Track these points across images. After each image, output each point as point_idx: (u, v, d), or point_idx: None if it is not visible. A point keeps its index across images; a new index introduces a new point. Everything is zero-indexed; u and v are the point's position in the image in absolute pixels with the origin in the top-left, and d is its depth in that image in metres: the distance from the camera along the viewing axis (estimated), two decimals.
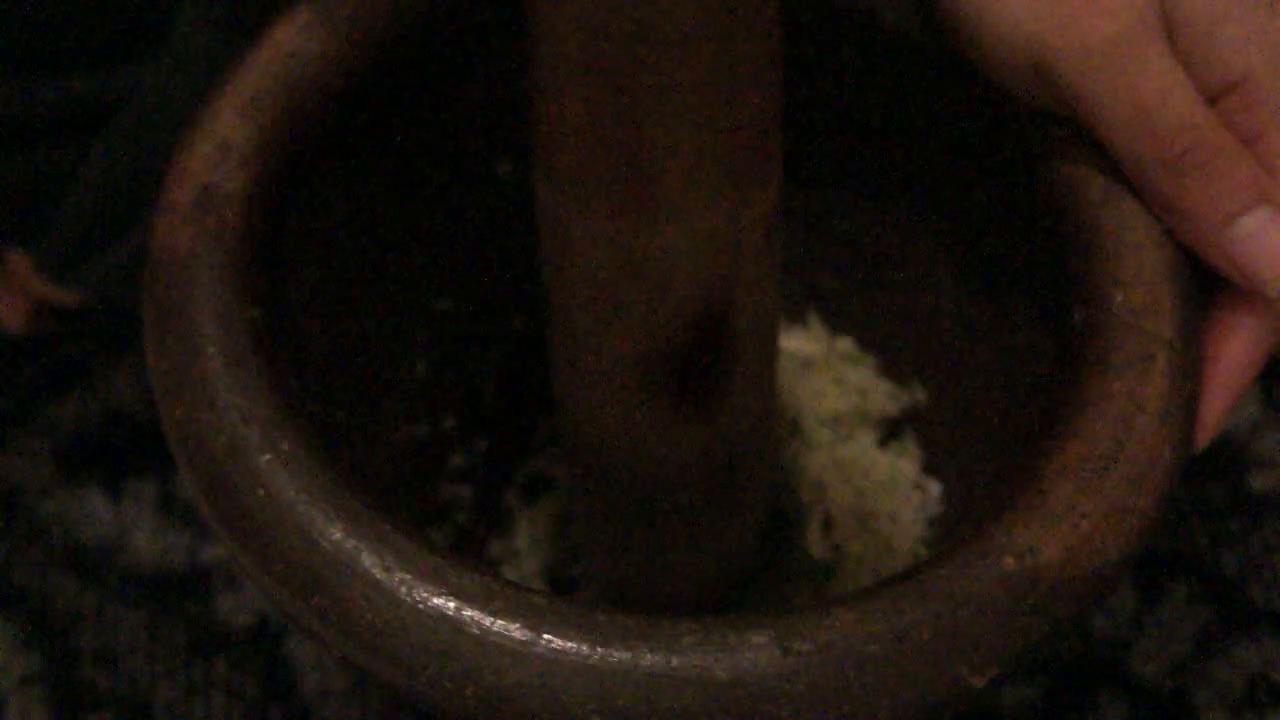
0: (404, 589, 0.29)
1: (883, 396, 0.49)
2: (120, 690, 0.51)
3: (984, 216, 0.41)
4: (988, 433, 0.42)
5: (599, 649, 0.28)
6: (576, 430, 0.38)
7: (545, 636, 0.28)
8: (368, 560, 0.29)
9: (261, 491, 0.30)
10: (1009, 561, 0.29)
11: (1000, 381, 0.42)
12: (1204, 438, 0.33)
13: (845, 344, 0.49)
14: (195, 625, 0.52)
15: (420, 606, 0.29)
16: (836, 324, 0.50)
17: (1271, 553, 0.52)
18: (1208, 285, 0.34)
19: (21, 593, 0.52)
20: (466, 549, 0.48)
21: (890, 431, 0.49)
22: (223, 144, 0.35)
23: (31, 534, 0.54)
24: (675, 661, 0.28)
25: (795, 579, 0.46)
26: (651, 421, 0.36)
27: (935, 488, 0.47)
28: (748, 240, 0.32)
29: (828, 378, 0.49)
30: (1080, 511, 0.30)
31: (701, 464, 0.37)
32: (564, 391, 0.37)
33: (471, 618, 0.29)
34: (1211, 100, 0.33)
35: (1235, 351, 0.33)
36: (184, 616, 0.52)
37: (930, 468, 0.48)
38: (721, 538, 0.41)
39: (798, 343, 0.49)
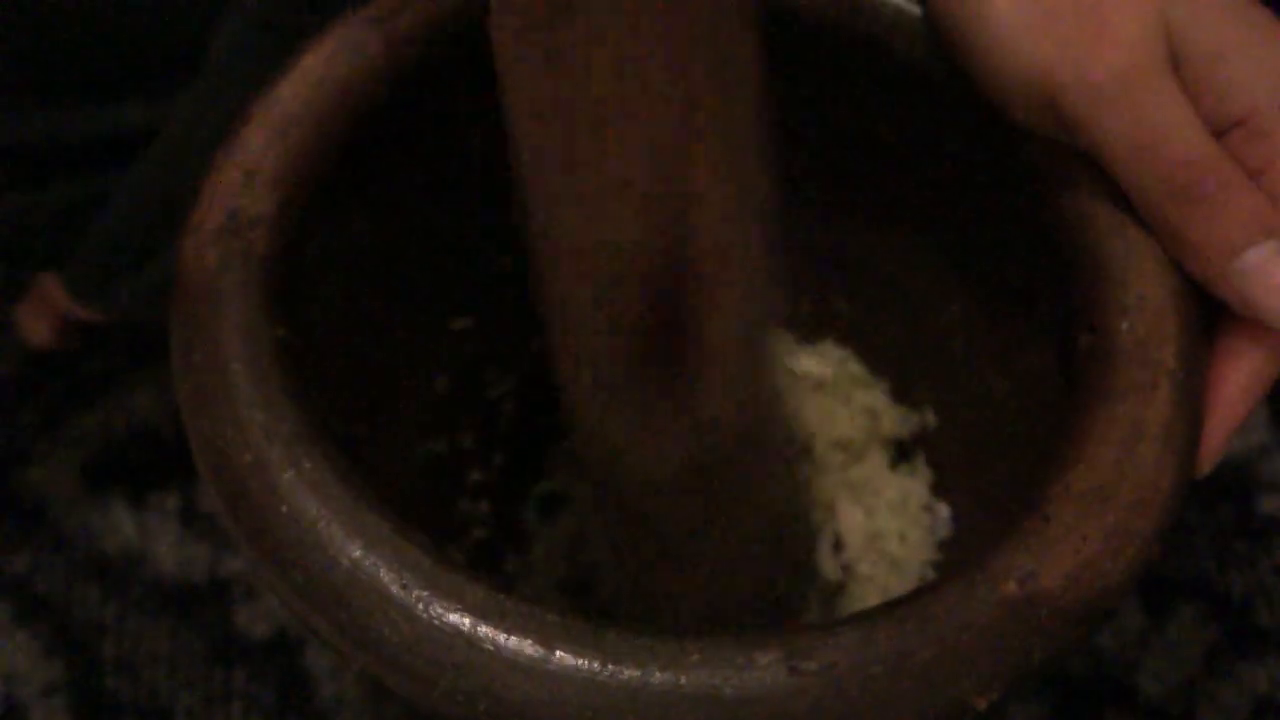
0: (420, 605, 0.30)
1: (894, 419, 0.49)
2: (141, 699, 0.51)
3: (994, 243, 0.41)
4: (997, 456, 0.43)
5: (609, 666, 0.29)
6: (573, 421, 0.38)
7: (557, 653, 0.29)
8: (386, 577, 0.30)
9: (284, 508, 0.31)
10: (1011, 585, 0.30)
11: (1010, 405, 0.42)
12: (1206, 464, 0.34)
13: (857, 367, 0.50)
14: (215, 636, 0.53)
15: (436, 622, 0.29)
16: (849, 347, 0.50)
17: (1279, 574, 0.52)
18: (1212, 312, 0.34)
19: (45, 603, 0.53)
20: (483, 565, 0.49)
21: (901, 454, 0.49)
22: (250, 169, 0.36)
23: (56, 545, 0.55)
24: (684, 679, 0.29)
25: (805, 598, 0.47)
26: (633, 410, 0.35)
27: (945, 510, 0.48)
28: (702, 210, 0.31)
29: (839, 400, 0.49)
30: (1081, 536, 0.31)
31: (689, 460, 0.37)
32: (561, 381, 0.37)
33: (485, 634, 0.29)
34: (1218, 133, 0.33)
35: (1238, 379, 0.34)
36: (204, 627, 0.53)
37: (940, 490, 0.48)
38: (722, 547, 0.41)
39: (810, 365, 0.50)
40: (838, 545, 0.48)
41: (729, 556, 0.42)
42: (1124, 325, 0.34)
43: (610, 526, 0.43)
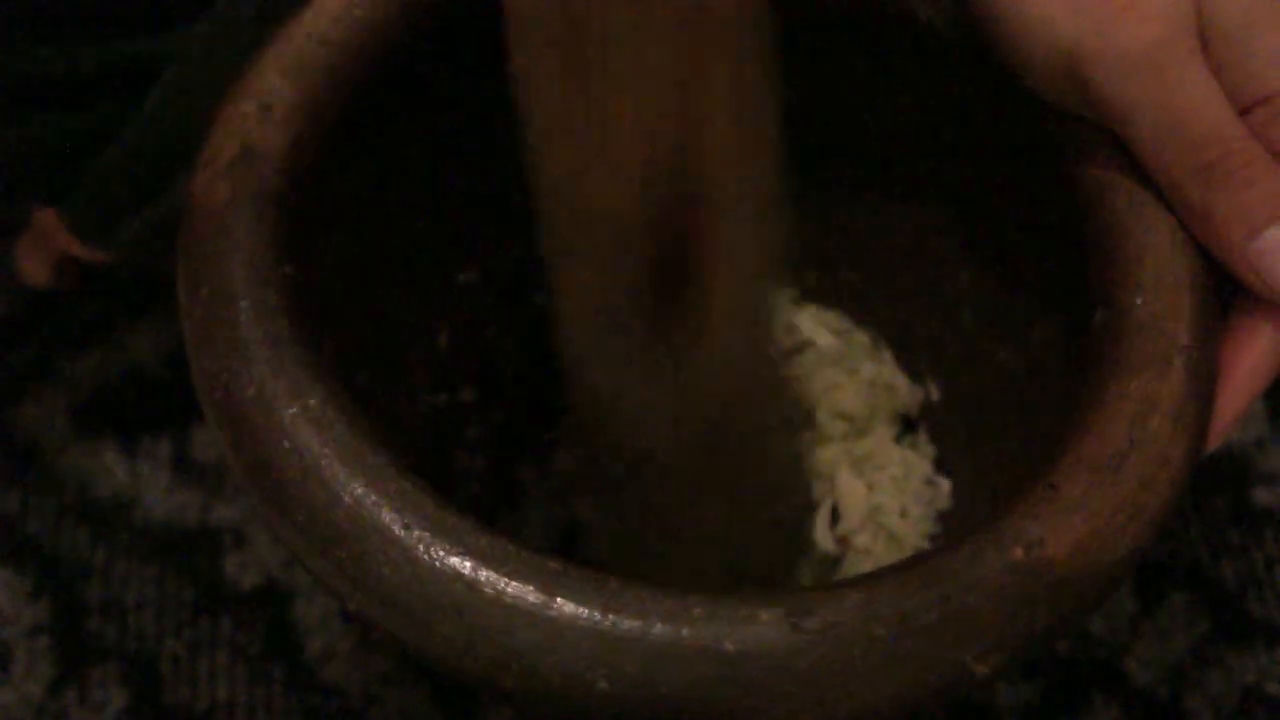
0: (421, 547, 0.29)
1: (899, 392, 0.49)
2: (126, 644, 0.51)
3: (1007, 216, 0.41)
4: (1001, 431, 0.43)
5: (610, 616, 0.28)
6: (571, 378, 0.37)
7: (558, 600, 0.29)
8: (387, 517, 0.30)
9: (287, 444, 0.31)
10: (1018, 552, 0.30)
11: (1017, 380, 0.42)
12: (1215, 440, 0.33)
13: (863, 338, 0.49)
14: (203, 583, 0.52)
15: (436, 565, 0.29)
16: (855, 318, 0.50)
17: (1271, 567, 0.52)
18: (1228, 290, 0.34)
19: (33, 544, 0.53)
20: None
21: (905, 427, 0.49)
22: (265, 103, 0.35)
23: (46, 487, 0.54)
24: (685, 632, 0.28)
25: (801, 568, 0.47)
26: (632, 361, 0.35)
27: (946, 484, 0.47)
28: (713, 122, 0.31)
29: (845, 371, 0.49)
30: (1090, 507, 0.30)
31: (683, 413, 0.36)
32: (560, 334, 0.37)
33: (486, 578, 0.29)
34: (1243, 110, 0.33)
35: (1251, 357, 0.34)
36: (192, 574, 0.52)
37: (942, 465, 0.48)
38: (713, 510, 0.40)
39: (817, 334, 0.49)
40: (835, 517, 0.47)
41: (720, 524, 0.42)
42: (1139, 301, 0.33)
43: (599, 491, 0.43)
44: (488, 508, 0.49)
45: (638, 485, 0.40)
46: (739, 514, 0.42)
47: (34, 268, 0.54)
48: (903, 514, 0.47)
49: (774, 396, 0.40)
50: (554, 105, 0.31)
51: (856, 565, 0.46)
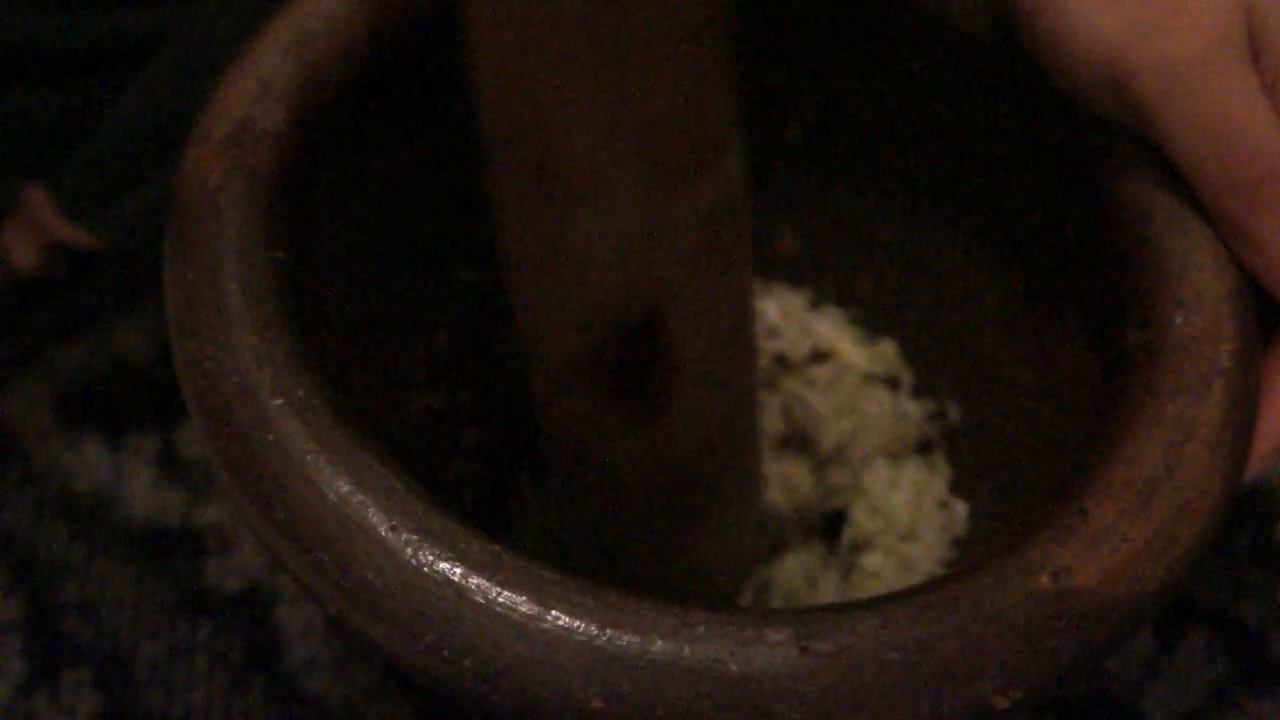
0: (409, 550, 0.28)
1: (915, 410, 0.47)
2: (101, 646, 0.49)
3: (1037, 231, 0.39)
4: (1023, 455, 0.41)
5: (608, 630, 0.27)
6: (541, 417, 0.37)
7: (552, 612, 0.27)
8: (374, 517, 0.28)
9: (270, 436, 0.29)
10: (1043, 580, 0.28)
11: (1041, 402, 0.40)
12: (1254, 470, 0.32)
13: (879, 355, 0.48)
14: (183, 586, 0.50)
15: (424, 570, 0.27)
16: (872, 333, 0.48)
17: None
18: (1270, 311, 0.33)
19: (8, 538, 0.51)
20: None
21: (919, 448, 0.47)
22: (263, 80, 0.34)
23: (25, 479, 0.52)
24: (687, 650, 0.27)
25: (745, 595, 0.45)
26: (593, 420, 0.34)
27: (962, 508, 0.46)
28: (681, 239, 0.30)
29: (858, 389, 0.47)
30: (1121, 535, 0.29)
31: (649, 471, 0.36)
32: (530, 378, 0.36)
33: (477, 585, 0.27)
34: None
35: None
36: (173, 576, 0.51)
37: (958, 488, 0.46)
38: (686, 551, 0.40)
39: (839, 346, 0.47)
40: (840, 539, 0.45)
41: (700, 550, 0.40)
42: (1178, 320, 0.32)
43: (574, 523, 0.41)
44: (485, 516, 0.47)
45: (605, 521, 0.39)
46: (703, 547, 0.41)
47: (22, 252, 0.53)
48: (915, 537, 0.45)
49: (748, 440, 0.39)
50: (525, 233, 0.30)
51: (866, 588, 0.44)
